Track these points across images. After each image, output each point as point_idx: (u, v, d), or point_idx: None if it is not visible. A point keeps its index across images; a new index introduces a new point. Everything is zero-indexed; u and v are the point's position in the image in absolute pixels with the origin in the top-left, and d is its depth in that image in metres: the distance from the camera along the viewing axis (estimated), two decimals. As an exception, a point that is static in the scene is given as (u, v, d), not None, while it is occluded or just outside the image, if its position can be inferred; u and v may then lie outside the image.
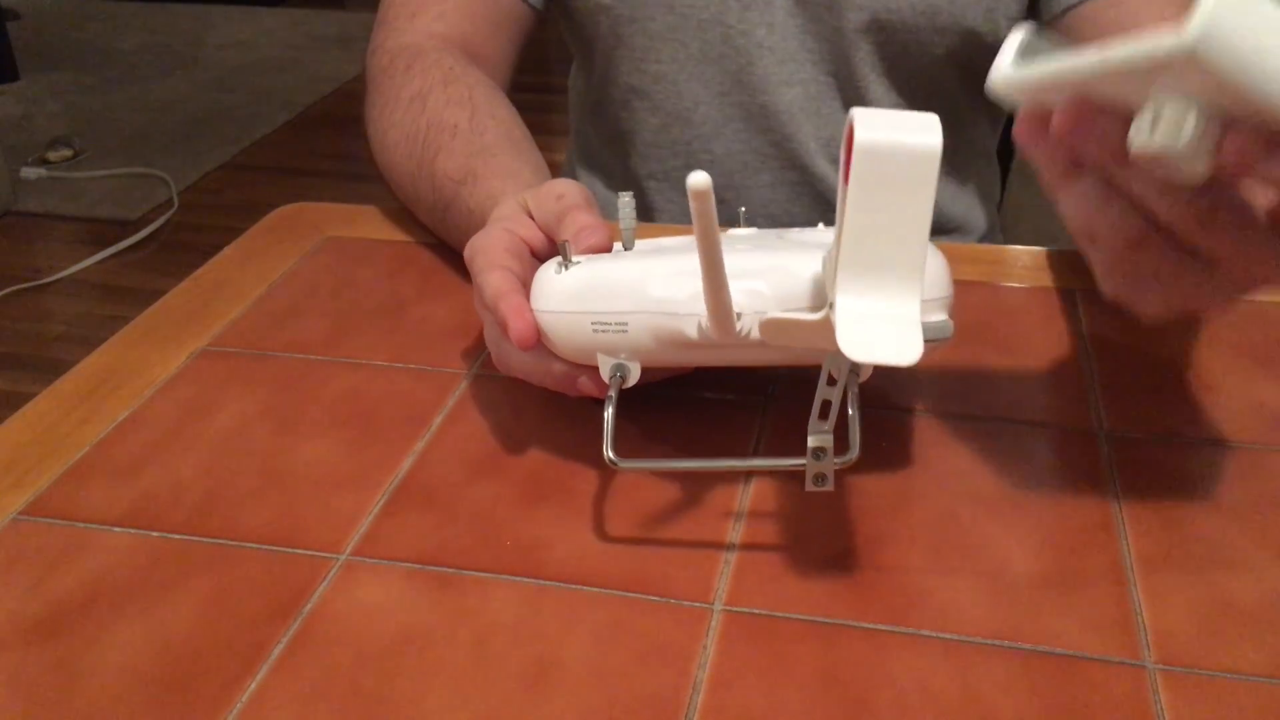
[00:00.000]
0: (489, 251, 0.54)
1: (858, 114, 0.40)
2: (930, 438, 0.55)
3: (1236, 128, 0.36)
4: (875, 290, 0.41)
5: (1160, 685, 0.42)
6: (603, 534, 0.49)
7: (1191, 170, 0.37)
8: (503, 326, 0.50)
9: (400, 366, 0.61)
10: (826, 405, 0.46)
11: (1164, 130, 0.36)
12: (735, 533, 0.49)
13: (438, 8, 0.80)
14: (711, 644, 0.44)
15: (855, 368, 0.46)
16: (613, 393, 0.50)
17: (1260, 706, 0.41)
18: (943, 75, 0.83)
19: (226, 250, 0.75)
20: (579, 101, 0.97)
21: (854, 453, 0.47)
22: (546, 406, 0.58)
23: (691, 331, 0.48)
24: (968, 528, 0.49)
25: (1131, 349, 0.62)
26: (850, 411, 0.48)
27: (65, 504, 0.52)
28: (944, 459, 0.54)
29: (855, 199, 0.40)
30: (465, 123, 0.70)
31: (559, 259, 0.51)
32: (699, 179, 0.37)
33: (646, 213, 0.91)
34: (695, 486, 0.52)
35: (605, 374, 0.50)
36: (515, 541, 0.49)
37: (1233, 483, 0.52)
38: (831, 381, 0.46)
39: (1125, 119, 0.39)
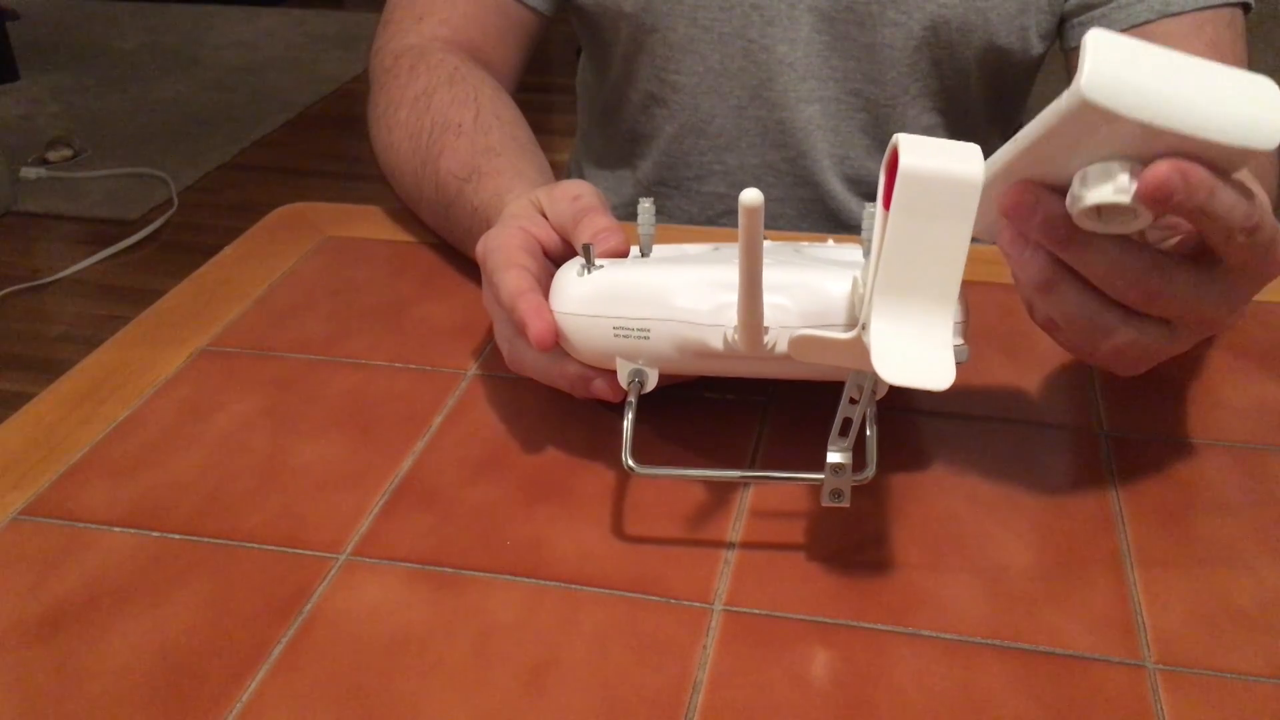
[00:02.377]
0: (505, 249, 0.53)
1: (902, 140, 0.40)
2: (931, 438, 0.55)
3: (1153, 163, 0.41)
4: (910, 314, 0.41)
5: (1160, 685, 0.42)
6: (603, 534, 0.49)
7: (1132, 222, 0.42)
8: (521, 326, 0.50)
9: (400, 366, 0.61)
10: (847, 423, 0.46)
11: (1094, 187, 0.41)
12: (735, 533, 0.49)
13: (444, 12, 0.80)
14: (711, 644, 0.44)
15: (874, 386, 0.46)
16: (632, 399, 0.50)
17: (1260, 706, 0.41)
18: (968, 91, 0.83)
19: (226, 250, 0.75)
20: (589, 101, 0.96)
21: (870, 470, 0.47)
22: (546, 406, 0.58)
23: (716, 343, 0.48)
24: (968, 528, 0.49)
25: (1131, 349, 0.62)
26: (868, 431, 0.47)
27: (65, 504, 0.52)
28: (944, 459, 0.54)
29: (896, 224, 0.40)
30: (470, 122, 0.70)
31: (580, 261, 0.51)
32: (752, 196, 0.38)
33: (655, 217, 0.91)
34: (696, 486, 0.52)
35: (623, 379, 0.50)
36: (515, 541, 0.49)
37: (1233, 483, 0.52)
38: (853, 400, 0.46)
39: (1063, 194, 0.43)
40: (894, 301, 0.41)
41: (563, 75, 0.98)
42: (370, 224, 0.78)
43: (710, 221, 0.90)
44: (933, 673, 0.43)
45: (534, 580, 0.47)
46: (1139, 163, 0.41)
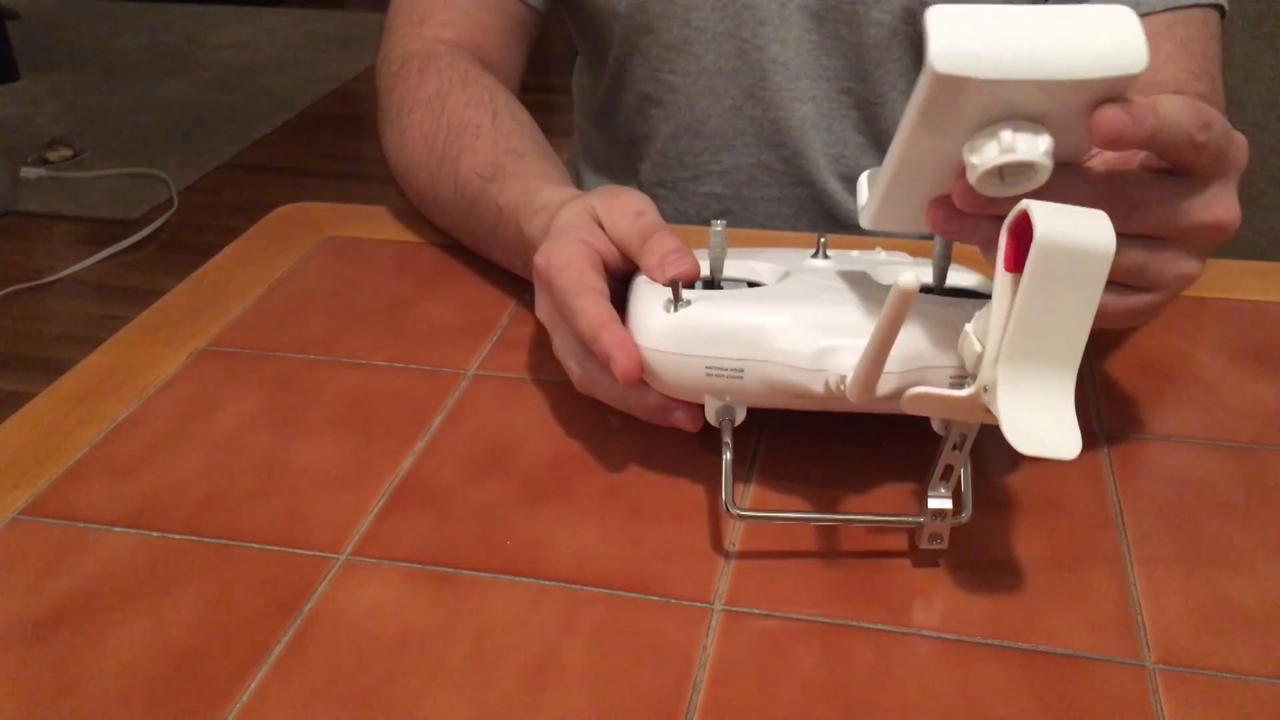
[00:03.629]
0: (574, 269, 0.52)
1: (1034, 209, 0.40)
2: (931, 438, 0.55)
3: (1100, 110, 0.42)
4: (1036, 383, 0.41)
5: (1160, 685, 0.42)
6: (603, 534, 0.49)
7: (1031, 179, 0.43)
8: (604, 359, 0.49)
9: (400, 366, 0.61)
10: (948, 469, 0.46)
11: (981, 152, 0.42)
12: (735, 532, 0.49)
13: (444, 14, 0.80)
14: (711, 644, 0.44)
15: (975, 434, 0.45)
16: (727, 438, 0.49)
17: (1260, 706, 0.41)
18: None
19: (226, 250, 0.75)
20: (585, 103, 0.97)
21: (967, 513, 0.47)
22: (546, 406, 0.58)
23: (817, 388, 0.47)
24: (967, 527, 0.49)
25: (1131, 349, 0.62)
26: (963, 470, 0.47)
27: (65, 504, 0.52)
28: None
29: (1028, 294, 0.40)
30: (488, 123, 0.70)
31: (665, 294, 0.50)
32: (909, 280, 0.38)
33: None
34: (695, 487, 0.52)
35: (712, 417, 0.50)
36: (515, 541, 0.49)
37: (1233, 483, 0.52)
38: (956, 446, 0.46)
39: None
40: (1021, 369, 0.41)
41: (563, 75, 0.98)
42: (370, 224, 0.78)
43: (707, 221, 0.90)
44: (933, 673, 0.43)
45: (534, 580, 0.47)
46: (1019, 119, 0.42)
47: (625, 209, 0.54)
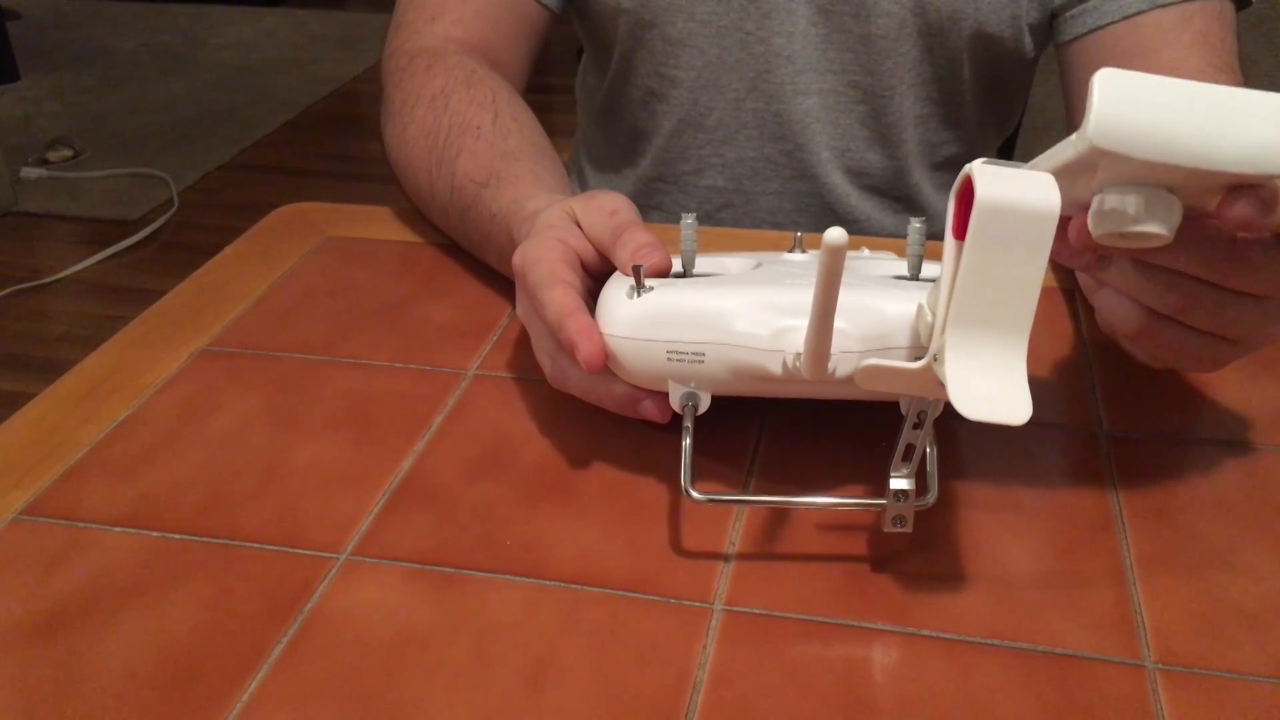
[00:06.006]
0: (546, 263, 0.52)
1: (977, 170, 0.39)
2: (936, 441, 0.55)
3: (1236, 196, 0.41)
4: (985, 348, 0.40)
5: (1160, 685, 0.42)
6: (603, 534, 0.49)
7: (1155, 239, 0.42)
8: (569, 347, 0.49)
9: (400, 366, 0.61)
10: (910, 449, 0.46)
11: (1110, 214, 0.41)
12: (735, 532, 0.49)
13: (457, 12, 0.80)
14: (711, 644, 0.44)
15: (936, 411, 0.45)
16: (688, 423, 0.49)
17: (1260, 706, 0.41)
18: (962, 82, 0.83)
19: (226, 250, 0.75)
20: (588, 101, 0.97)
21: (932, 495, 0.47)
22: (546, 406, 0.58)
23: (775, 368, 0.47)
24: (967, 527, 0.49)
25: (1131, 349, 0.62)
26: (929, 454, 0.47)
27: (65, 504, 0.52)
28: (944, 459, 0.54)
29: (972, 256, 0.39)
30: (488, 124, 0.69)
31: (629, 281, 0.50)
32: (836, 235, 0.37)
33: (647, 214, 0.91)
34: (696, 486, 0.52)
35: (675, 403, 0.50)
36: (515, 541, 0.49)
37: (1233, 483, 0.52)
38: (916, 425, 0.45)
39: (1084, 209, 0.43)
40: (968, 335, 0.40)
41: (563, 75, 0.98)
42: (370, 224, 0.78)
43: (709, 215, 0.90)
44: (933, 673, 0.43)
45: (534, 580, 0.47)
46: (1154, 188, 0.41)
47: (601, 208, 0.55)
